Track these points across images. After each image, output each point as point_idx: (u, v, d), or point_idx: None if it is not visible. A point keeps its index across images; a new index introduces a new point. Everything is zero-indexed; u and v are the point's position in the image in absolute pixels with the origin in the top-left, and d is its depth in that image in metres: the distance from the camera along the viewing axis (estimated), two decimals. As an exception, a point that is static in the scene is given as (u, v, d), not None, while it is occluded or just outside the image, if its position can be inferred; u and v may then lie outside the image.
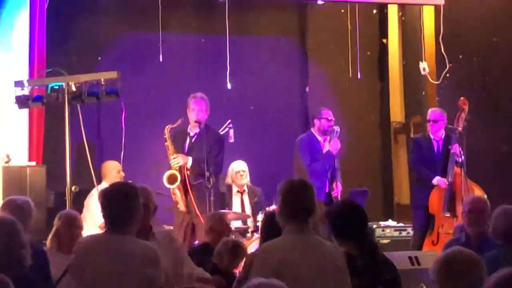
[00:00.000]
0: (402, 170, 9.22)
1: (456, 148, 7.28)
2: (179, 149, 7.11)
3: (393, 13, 9.31)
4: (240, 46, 8.57)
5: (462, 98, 7.47)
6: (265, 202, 7.78)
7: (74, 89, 6.22)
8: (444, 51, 8.45)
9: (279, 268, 3.56)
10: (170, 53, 8.20)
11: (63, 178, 6.26)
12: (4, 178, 6.66)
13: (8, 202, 4.65)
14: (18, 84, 6.37)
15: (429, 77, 8.62)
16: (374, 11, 9.36)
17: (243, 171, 7.90)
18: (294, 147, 7.59)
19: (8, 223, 3.84)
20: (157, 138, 7.24)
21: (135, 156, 7.73)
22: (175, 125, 7.04)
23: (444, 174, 7.30)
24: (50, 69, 6.73)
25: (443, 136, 7.52)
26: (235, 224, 7.37)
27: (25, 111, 6.99)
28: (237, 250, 5.06)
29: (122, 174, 7.34)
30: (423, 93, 8.88)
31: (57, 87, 6.24)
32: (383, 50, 9.37)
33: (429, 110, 7.73)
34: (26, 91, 6.34)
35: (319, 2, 8.60)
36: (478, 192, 7.14)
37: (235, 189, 7.94)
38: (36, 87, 6.48)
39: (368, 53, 9.23)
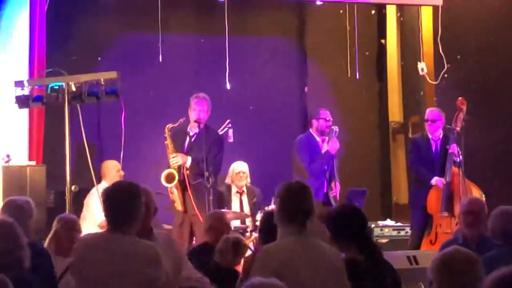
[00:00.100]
0: (400, 170, 9.24)
1: (454, 148, 7.30)
2: (179, 148, 7.13)
3: (391, 13, 9.33)
4: (239, 46, 8.60)
5: (460, 98, 7.50)
6: (264, 202, 7.82)
7: (74, 89, 6.24)
8: (442, 51, 8.47)
9: (279, 270, 3.58)
10: (169, 53, 8.22)
11: (63, 178, 6.28)
12: (4, 177, 6.67)
13: (8, 202, 4.67)
14: (18, 84, 6.40)
15: (427, 77, 8.65)
16: (373, 12, 9.39)
17: (243, 173, 7.93)
18: (292, 147, 7.62)
19: (7, 225, 3.84)
20: (157, 138, 7.27)
21: (134, 156, 7.75)
22: (176, 124, 7.06)
23: (442, 174, 7.32)
24: (50, 69, 6.75)
25: (441, 136, 7.54)
26: (234, 223, 7.39)
27: (25, 111, 7.01)
28: (238, 246, 5.07)
29: (122, 173, 7.36)
30: (422, 93, 8.90)
31: (57, 87, 6.27)
32: (382, 51, 9.39)
33: (427, 110, 7.75)
34: (26, 91, 6.36)
35: (318, 3, 8.61)
36: (476, 192, 7.17)
37: (234, 189, 7.97)
38: (36, 87, 6.50)
39: (367, 53, 9.25)
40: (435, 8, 8.50)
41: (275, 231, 3.91)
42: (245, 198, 7.96)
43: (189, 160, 7.04)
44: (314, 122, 7.59)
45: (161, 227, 7.09)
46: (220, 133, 7.36)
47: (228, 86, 8.29)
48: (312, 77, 9.13)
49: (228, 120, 7.45)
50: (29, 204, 4.60)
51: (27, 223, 4.50)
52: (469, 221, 5.02)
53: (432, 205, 7.32)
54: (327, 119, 7.54)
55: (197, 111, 7.09)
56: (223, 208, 7.42)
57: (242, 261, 4.81)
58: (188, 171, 7.02)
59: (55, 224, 5.00)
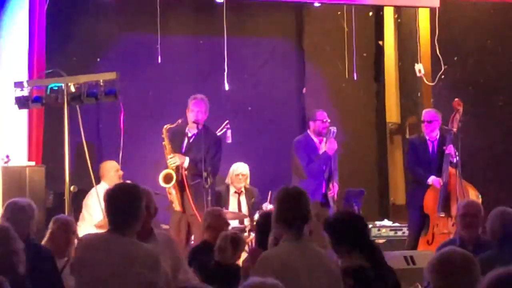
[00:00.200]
0: (397, 170, 9.27)
1: (450, 149, 7.33)
2: (177, 149, 7.15)
3: (389, 15, 9.36)
4: (238, 47, 8.62)
5: (456, 99, 7.53)
6: (262, 202, 7.85)
7: (73, 90, 6.25)
8: (439, 53, 8.50)
9: (279, 276, 3.62)
10: (168, 54, 8.23)
11: (62, 178, 6.29)
12: (4, 178, 6.68)
13: (10, 204, 4.68)
14: (18, 85, 6.41)
15: (424, 78, 8.68)
16: (370, 13, 9.41)
17: (243, 175, 7.96)
18: (291, 148, 7.66)
19: (1, 229, 3.85)
20: (156, 139, 7.29)
21: (133, 156, 7.77)
22: (174, 125, 7.09)
23: (439, 174, 7.35)
24: (50, 70, 6.76)
25: (438, 137, 7.57)
26: (232, 223, 7.42)
27: (25, 111, 7.02)
28: (237, 241, 5.07)
29: (121, 173, 7.38)
30: (419, 94, 8.93)
31: (56, 88, 6.27)
32: (379, 52, 9.41)
33: (424, 111, 7.78)
34: (25, 92, 6.36)
35: (316, 4, 8.63)
36: (472, 192, 7.20)
37: (232, 189, 8.00)
38: (35, 88, 6.51)
39: (364, 54, 9.27)
40: (432, 9, 8.53)
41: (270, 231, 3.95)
42: (243, 199, 7.99)
43: (186, 160, 7.07)
44: (311, 123, 7.63)
45: (159, 227, 7.11)
46: (219, 134, 7.39)
47: (226, 87, 8.31)
48: (310, 78, 9.15)
49: (227, 121, 7.48)
50: (30, 205, 4.62)
51: (28, 224, 4.53)
52: (466, 223, 5.06)
53: (429, 205, 7.35)
54: (324, 120, 7.56)
55: (195, 112, 7.11)
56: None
57: (241, 263, 4.82)
58: (186, 172, 7.05)
59: (51, 225, 5.01)
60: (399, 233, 8.00)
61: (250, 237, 7.24)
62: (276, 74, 8.99)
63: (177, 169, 7.06)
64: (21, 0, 7.36)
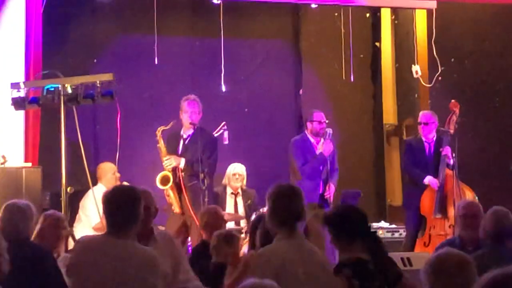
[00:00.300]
0: (394, 171, 9.28)
1: (447, 150, 7.34)
2: (173, 152, 7.15)
3: (386, 16, 9.37)
4: (234, 48, 8.62)
5: (453, 101, 7.54)
6: (259, 204, 7.84)
7: (70, 91, 6.23)
8: (436, 54, 8.51)
9: (277, 274, 3.63)
10: (165, 55, 8.24)
11: (58, 179, 6.28)
12: (0, 179, 6.68)
13: (9, 205, 4.68)
14: (14, 86, 6.40)
15: (421, 80, 8.69)
16: (367, 15, 9.42)
17: (239, 175, 7.96)
18: (288, 148, 7.66)
19: None
20: (152, 140, 7.27)
21: (130, 158, 7.77)
22: (167, 127, 7.09)
23: (436, 176, 7.35)
24: (46, 71, 6.75)
25: (434, 138, 7.58)
26: (228, 225, 7.41)
27: (21, 112, 7.02)
28: (231, 239, 5.06)
29: (118, 175, 7.38)
30: (416, 95, 8.94)
31: (53, 89, 6.26)
32: (376, 53, 9.42)
33: (421, 113, 7.79)
34: (22, 93, 6.35)
35: (313, 6, 8.65)
36: (469, 194, 7.20)
37: (229, 190, 8.00)
38: (32, 89, 6.50)
39: (361, 56, 9.29)
40: (429, 11, 8.54)
41: (265, 234, 3.95)
42: (239, 200, 7.99)
43: (182, 161, 7.06)
44: (309, 124, 7.63)
45: (156, 228, 7.09)
46: (216, 135, 7.38)
47: (223, 88, 8.31)
48: (307, 79, 9.16)
49: (224, 122, 7.48)
50: (29, 207, 4.62)
51: (28, 225, 4.53)
52: (466, 224, 5.06)
53: (425, 207, 7.35)
54: (321, 121, 7.56)
55: (189, 112, 7.11)
56: (218, 210, 7.44)
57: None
58: (182, 173, 7.05)
59: (41, 221, 5.00)
60: (396, 234, 8.01)
61: (247, 239, 7.23)
62: (273, 76, 8.99)
63: (174, 171, 7.06)
64: (17, 1, 7.36)
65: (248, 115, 8.87)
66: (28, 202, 4.76)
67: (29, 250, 4.40)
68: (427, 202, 7.34)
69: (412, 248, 7.25)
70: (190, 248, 6.93)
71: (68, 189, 6.28)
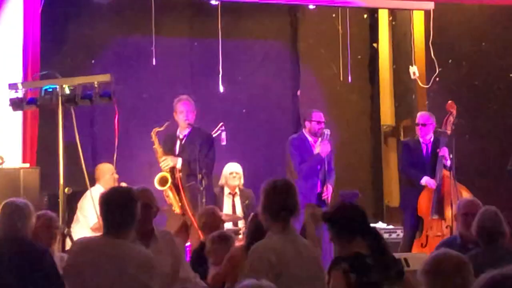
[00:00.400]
0: (392, 172, 9.29)
1: (444, 151, 7.35)
2: (170, 153, 7.16)
3: (383, 18, 9.38)
4: (232, 49, 8.63)
5: (449, 101, 7.55)
6: (256, 204, 7.83)
7: (67, 91, 6.22)
8: (434, 55, 8.53)
9: (273, 269, 3.65)
10: (163, 56, 8.24)
11: (56, 180, 6.27)
12: (-2, 180, 6.70)
13: (7, 203, 4.68)
14: (12, 86, 6.38)
15: (419, 81, 8.70)
16: (365, 16, 9.43)
17: (236, 173, 7.95)
18: (285, 146, 7.67)
19: None
20: (150, 141, 7.29)
21: (128, 159, 7.77)
22: (162, 128, 7.10)
23: (433, 177, 7.37)
24: (44, 72, 6.74)
25: (431, 139, 7.59)
26: (226, 226, 7.41)
27: (19, 113, 7.02)
28: (225, 239, 5.06)
29: (116, 176, 7.38)
30: (413, 96, 8.95)
31: (51, 90, 6.25)
32: (374, 54, 9.43)
33: (418, 114, 7.80)
34: (20, 94, 6.34)
35: (311, 7, 8.65)
36: (466, 194, 7.20)
37: (226, 191, 7.99)
38: (30, 89, 6.49)
39: (359, 57, 9.29)
40: (427, 12, 8.55)
41: (261, 234, 3.97)
42: (237, 200, 7.98)
43: (179, 161, 7.07)
44: (307, 123, 7.63)
45: (157, 227, 7.09)
46: (213, 135, 7.39)
47: (221, 89, 8.32)
48: (304, 80, 9.16)
49: (221, 123, 7.48)
50: (28, 205, 4.63)
51: (26, 224, 4.53)
52: (467, 222, 5.06)
53: (422, 208, 7.36)
54: (320, 121, 7.57)
55: (184, 112, 7.12)
56: (216, 211, 7.44)
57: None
58: (180, 174, 7.05)
59: (34, 221, 5.01)
60: (394, 235, 8.01)
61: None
62: (270, 77, 9.00)
63: (172, 171, 7.06)
64: (16, 1, 7.36)
65: (246, 116, 8.87)
66: (26, 200, 4.76)
67: (27, 248, 4.41)
68: (424, 203, 7.35)
69: (409, 249, 7.26)
70: (188, 250, 6.93)
71: (66, 190, 6.26)
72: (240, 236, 7.42)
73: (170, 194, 7.04)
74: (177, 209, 7.05)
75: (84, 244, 4.00)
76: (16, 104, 6.35)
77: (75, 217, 7.33)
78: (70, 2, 8.22)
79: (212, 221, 5.66)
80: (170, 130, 7.19)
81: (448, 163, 7.31)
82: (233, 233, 7.33)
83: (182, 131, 7.22)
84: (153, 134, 7.09)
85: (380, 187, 9.39)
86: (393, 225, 8.26)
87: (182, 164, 7.06)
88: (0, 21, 7.37)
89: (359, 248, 3.72)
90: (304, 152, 7.52)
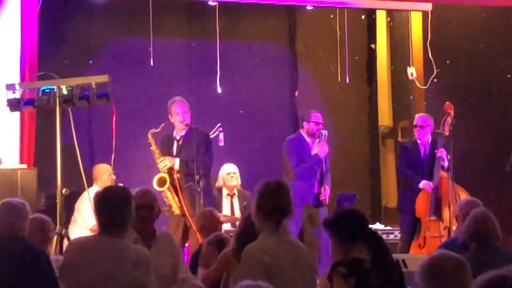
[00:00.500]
0: (389, 173, 9.29)
1: (442, 152, 7.35)
2: (168, 155, 7.16)
3: (381, 18, 9.39)
4: (230, 50, 8.63)
5: (447, 102, 7.56)
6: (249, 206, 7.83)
7: (65, 92, 6.22)
8: (432, 56, 8.53)
9: (267, 270, 3.65)
10: (161, 57, 8.24)
11: (54, 181, 6.27)
12: (-5, 180, 6.69)
13: (4, 203, 4.68)
14: (10, 87, 6.38)
15: (416, 82, 8.70)
16: (363, 17, 9.44)
17: (234, 173, 7.95)
18: (283, 146, 7.66)
19: None
20: (148, 142, 7.28)
21: (125, 159, 7.76)
22: (158, 129, 7.11)
23: (431, 178, 7.36)
24: (42, 73, 6.73)
25: (429, 141, 7.59)
26: (225, 227, 7.41)
27: (17, 114, 7.02)
28: (222, 243, 5.04)
29: (113, 177, 7.38)
30: (411, 97, 8.95)
31: (48, 91, 6.24)
32: (372, 55, 9.44)
33: (417, 115, 7.80)
34: (17, 94, 6.33)
35: (309, 7, 8.66)
36: (464, 196, 7.19)
37: (225, 192, 7.99)
38: (27, 90, 6.48)
39: (357, 58, 9.30)
40: (425, 13, 8.56)
41: (252, 234, 3.97)
42: (235, 201, 7.98)
43: (177, 161, 7.07)
44: (305, 124, 7.63)
45: (157, 228, 7.09)
46: (211, 136, 7.39)
47: (219, 90, 8.32)
48: (302, 81, 9.16)
49: (219, 124, 7.48)
50: (24, 205, 4.62)
51: (23, 224, 4.53)
52: (468, 222, 5.06)
53: (420, 209, 7.36)
54: (318, 122, 7.57)
55: (180, 113, 7.13)
56: (215, 212, 7.43)
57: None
58: (178, 174, 7.05)
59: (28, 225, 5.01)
60: (391, 236, 8.01)
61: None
62: (268, 77, 9.00)
63: (170, 172, 7.06)
64: (13, 2, 7.35)
65: (244, 117, 8.87)
66: (23, 201, 4.76)
67: (24, 249, 4.40)
68: (421, 204, 7.35)
69: (407, 250, 7.26)
70: (186, 251, 6.93)
71: (64, 190, 6.26)
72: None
73: (169, 195, 7.04)
74: (176, 210, 7.04)
75: (80, 244, 3.99)
76: (13, 105, 6.34)
77: (72, 218, 7.33)
78: (67, 3, 8.22)
79: (210, 223, 5.65)
80: (167, 132, 7.20)
81: (446, 164, 7.32)
82: (231, 233, 7.36)
83: (179, 132, 7.23)
84: (149, 135, 7.10)
85: (377, 188, 9.39)
86: (390, 226, 8.26)
87: (180, 165, 7.06)
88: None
89: (360, 253, 3.72)
90: (302, 153, 7.52)
